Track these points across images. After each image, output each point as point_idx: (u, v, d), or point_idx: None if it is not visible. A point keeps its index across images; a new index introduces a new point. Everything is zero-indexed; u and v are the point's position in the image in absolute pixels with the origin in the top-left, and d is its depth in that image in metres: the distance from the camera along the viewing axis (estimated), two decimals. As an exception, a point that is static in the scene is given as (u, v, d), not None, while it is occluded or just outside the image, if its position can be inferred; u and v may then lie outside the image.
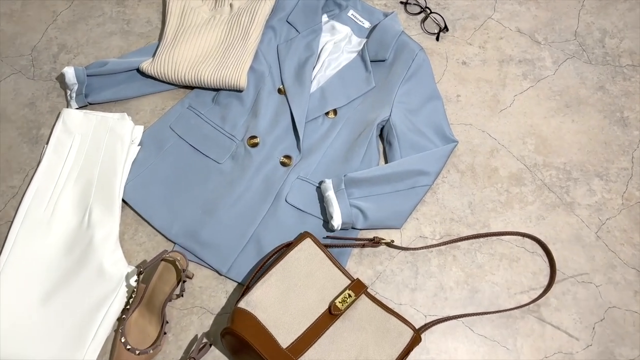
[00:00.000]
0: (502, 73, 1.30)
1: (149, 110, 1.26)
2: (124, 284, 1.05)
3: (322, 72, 1.27)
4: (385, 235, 1.14)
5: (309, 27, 1.31)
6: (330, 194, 1.11)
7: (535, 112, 1.26)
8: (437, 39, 1.34)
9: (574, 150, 1.21)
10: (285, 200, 1.15)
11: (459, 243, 1.13)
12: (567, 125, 1.24)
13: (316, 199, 1.16)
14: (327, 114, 1.23)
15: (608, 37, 1.35)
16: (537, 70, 1.30)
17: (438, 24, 1.35)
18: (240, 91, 1.24)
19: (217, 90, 1.25)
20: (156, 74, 1.23)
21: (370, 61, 1.27)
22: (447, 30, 1.34)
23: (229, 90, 1.24)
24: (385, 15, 1.32)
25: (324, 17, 1.34)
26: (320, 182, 1.16)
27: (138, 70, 1.25)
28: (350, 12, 1.34)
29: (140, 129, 1.21)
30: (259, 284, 0.98)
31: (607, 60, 1.31)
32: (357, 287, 1.00)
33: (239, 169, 1.17)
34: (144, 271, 1.01)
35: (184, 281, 1.05)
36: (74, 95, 1.22)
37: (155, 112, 1.26)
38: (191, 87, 1.27)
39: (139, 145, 1.19)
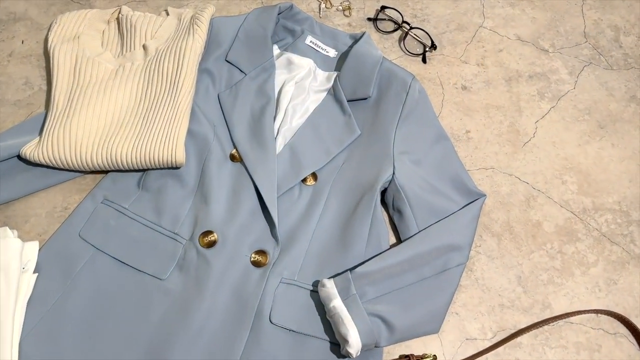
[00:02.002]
0: (513, 95, 1.01)
1: (44, 215, 0.85)
2: None
3: (287, 124, 0.92)
4: (420, 346, 0.80)
5: (257, 64, 0.95)
6: (337, 304, 0.76)
7: (565, 140, 0.98)
8: (424, 60, 1.03)
9: (625, 182, 0.94)
10: (270, 321, 0.78)
11: (519, 339, 0.81)
12: (608, 152, 0.97)
13: (314, 309, 0.80)
14: (304, 180, 0.88)
15: (622, 34, 1.10)
16: (554, 85, 1.03)
17: (422, 42, 1.05)
18: (177, 168, 0.87)
19: (142, 170, 0.87)
20: (47, 160, 0.83)
21: (348, 101, 0.94)
22: (435, 48, 1.03)
23: (161, 168, 0.86)
24: (354, 38, 1.00)
25: (275, 49, 1.00)
26: (316, 284, 0.81)
27: (19, 157, 0.85)
28: (309, 39, 1.00)
29: (33, 248, 0.80)
30: None
31: (629, 62, 1.07)
32: None
33: (193, 284, 0.79)
34: None
35: None
36: None
37: (54, 216, 0.86)
38: (104, 171, 0.88)
39: (34, 272, 0.79)
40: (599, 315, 0.84)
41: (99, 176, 0.89)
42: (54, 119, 0.85)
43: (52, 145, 0.83)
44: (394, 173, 0.87)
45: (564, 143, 0.97)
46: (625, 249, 0.89)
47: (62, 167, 0.84)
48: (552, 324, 0.83)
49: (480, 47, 1.06)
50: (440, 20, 1.08)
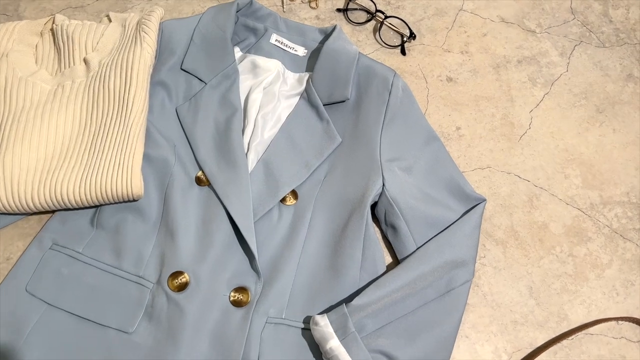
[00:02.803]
0: (503, 83, 0.92)
1: (-18, 269, 0.73)
2: None
3: (258, 137, 0.81)
4: (430, 380, 0.71)
5: (218, 71, 0.84)
6: (335, 345, 0.66)
7: (564, 129, 0.89)
8: (403, 52, 0.93)
9: (631, 171, 0.87)
10: (259, 369, 0.68)
11: (537, 359, 0.73)
12: (610, 138, 0.89)
13: (307, 350, 0.70)
14: (283, 200, 0.78)
15: (611, 7, 1.02)
16: (545, 69, 0.94)
17: (399, 32, 0.95)
18: (135, 200, 0.75)
19: (95, 207, 0.76)
20: (-21, 206, 0.70)
21: (324, 105, 0.83)
22: (414, 37, 0.93)
23: (116, 203, 0.75)
24: (324, 32, 0.89)
25: (237, 52, 0.88)
26: (308, 320, 0.71)
27: (-55, 203, 0.72)
28: (274, 38, 0.89)
29: (-29, 311, 0.68)
30: None
31: (622, 38, 0.99)
32: None
33: (165, 336, 0.68)
34: None
35: None
36: None
37: (-5, 270, 0.73)
38: (51, 211, 0.76)
39: (-26, 341, 0.67)
40: (620, 322, 0.76)
41: (45, 217, 0.77)
42: (-17, 155, 0.73)
43: (-16, 187, 0.70)
44: (383, 184, 0.77)
45: (562, 133, 0.89)
46: (639, 244, 0.81)
47: (-2, 211, 0.72)
48: (571, 338, 0.75)
49: (462, 32, 0.96)
50: (416, 6, 0.98)
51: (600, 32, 0.99)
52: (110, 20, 0.87)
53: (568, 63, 0.95)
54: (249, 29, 0.90)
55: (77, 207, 0.73)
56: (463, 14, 0.98)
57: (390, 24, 0.94)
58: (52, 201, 0.71)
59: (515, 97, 0.91)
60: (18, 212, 0.72)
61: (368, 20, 0.95)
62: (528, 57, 0.95)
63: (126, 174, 0.72)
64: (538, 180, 0.85)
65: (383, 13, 0.93)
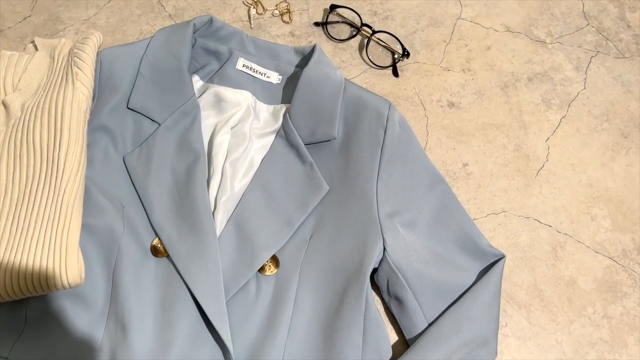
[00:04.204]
0: (513, 106, 0.79)
1: None
2: None
3: (227, 191, 0.66)
4: None
5: (174, 108, 0.68)
6: None
7: (586, 159, 0.76)
8: (395, 73, 0.79)
9: (665, 206, 0.75)
10: None
11: None
12: (639, 168, 0.77)
13: None
14: (261, 270, 0.63)
15: (627, 10, 0.89)
16: (560, 87, 0.81)
17: (390, 49, 0.80)
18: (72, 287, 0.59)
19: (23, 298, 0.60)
20: None
21: (305, 144, 0.68)
22: (408, 55, 0.79)
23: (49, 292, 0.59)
24: (301, 53, 0.74)
25: (196, 81, 0.73)
26: None
27: None
28: (241, 63, 0.73)
29: None
30: None
31: (642, 46, 0.86)
32: None
33: None
34: None
35: None
36: None
37: None
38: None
39: None
40: (668, 397, 0.64)
41: (-43, 313, 0.60)
42: None
43: None
44: (385, 248, 0.63)
45: (584, 164, 0.76)
46: (681, 297, 0.70)
47: None
48: (613, 421, 0.63)
49: (462, 46, 0.82)
50: (407, 16, 0.84)
51: (617, 39, 0.86)
52: (36, 48, 0.70)
53: (585, 79, 0.82)
54: (210, 53, 0.74)
55: (-2, 300, 0.57)
56: (462, 24, 0.84)
57: (378, 39, 0.80)
58: (-38, 297, 0.55)
59: (529, 123, 0.78)
60: None
61: (352, 36, 0.80)
62: (539, 73, 0.81)
63: (58, 258, 0.56)
64: (561, 224, 0.72)
65: (370, 27, 0.78)
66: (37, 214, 0.58)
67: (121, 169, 0.66)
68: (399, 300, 0.63)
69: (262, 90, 0.73)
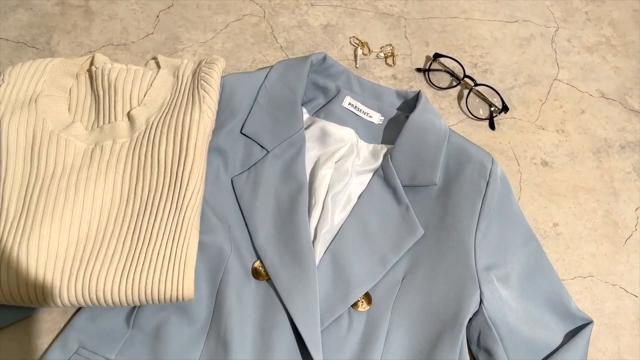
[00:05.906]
0: (604, 172, 0.80)
1: (-10, 376, 0.60)
2: None
3: (327, 223, 0.68)
4: None
5: (284, 138, 0.71)
6: None
7: (674, 233, 0.77)
8: (492, 126, 0.81)
9: None
10: None
11: None
12: None
13: None
14: (354, 305, 0.65)
15: None
16: (651, 158, 0.82)
17: (488, 102, 0.82)
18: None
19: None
20: (-7, 299, 0.57)
21: (404, 186, 0.70)
22: (507, 110, 0.81)
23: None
24: (403, 97, 0.77)
25: (304, 114, 0.76)
26: None
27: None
28: (347, 101, 0.76)
29: None
30: None
31: None
32: None
33: None
34: None
35: None
36: None
37: (5, 378, 0.60)
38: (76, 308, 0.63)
39: None
40: None
41: (67, 313, 0.63)
42: (2, 233, 0.59)
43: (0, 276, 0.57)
44: (481, 300, 0.64)
45: (672, 238, 0.77)
46: None
47: (14, 302, 0.58)
48: None
49: (557, 107, 0.84)
50: (506, 72, 0.86)
51: None
52: (158, 66, 0.74)
53: (676, 152, 0.83)
54: (319, 88, 0.77)
55: (111, 306, 0.59)
56: (558, 85, 0.86)
57: (478, 91, 0.82)
58: (83, 299, 0.58)
59: (619, 191, 0.79)
60: (39, 306, 0.59)
61: (454, 86, 0.83)
62: (632, 142, 0.83)
63: (177, 273, 0.58)
64: (647, 296, 0.72)
65: (472, 79, 0.81)
66: (160, 227, 0.61)
67: (228, 189, 0.69)
68: (488, 353, 0.64)
69: (363, 129, 0.76)
